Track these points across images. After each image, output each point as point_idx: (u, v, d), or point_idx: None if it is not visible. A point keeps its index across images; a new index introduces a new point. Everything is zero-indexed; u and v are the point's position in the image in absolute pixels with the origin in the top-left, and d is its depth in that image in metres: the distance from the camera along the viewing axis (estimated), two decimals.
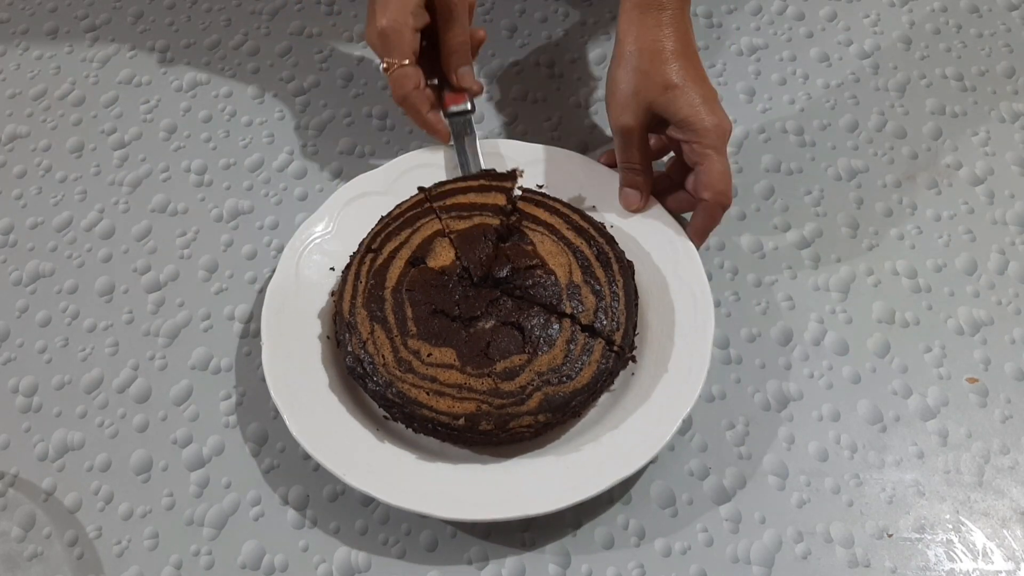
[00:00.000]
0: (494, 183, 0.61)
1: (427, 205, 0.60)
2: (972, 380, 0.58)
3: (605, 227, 0.60)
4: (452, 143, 0.64)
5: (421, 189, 0.62)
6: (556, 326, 0.54)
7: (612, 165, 0.63)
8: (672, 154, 0.62)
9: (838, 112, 0.71)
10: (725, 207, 0.58)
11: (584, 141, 0.69)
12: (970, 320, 0.60)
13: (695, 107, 0.56)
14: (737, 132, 0.69)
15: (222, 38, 0.77)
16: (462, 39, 0.63)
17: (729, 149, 0.68)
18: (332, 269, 0.60)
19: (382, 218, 0.61)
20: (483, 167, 0.63)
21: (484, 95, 0.72)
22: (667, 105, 0.57)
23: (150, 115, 0.73)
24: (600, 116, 0.71)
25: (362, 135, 0.71)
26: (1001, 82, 0.72)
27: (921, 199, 0.66)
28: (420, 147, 0.65)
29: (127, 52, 0.77)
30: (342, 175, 0.68)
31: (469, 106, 0.65)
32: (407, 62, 0.61)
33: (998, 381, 0.58)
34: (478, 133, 0.65)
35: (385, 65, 0.61)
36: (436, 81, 0.65)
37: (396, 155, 0.65)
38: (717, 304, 0.61)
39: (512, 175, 0.61)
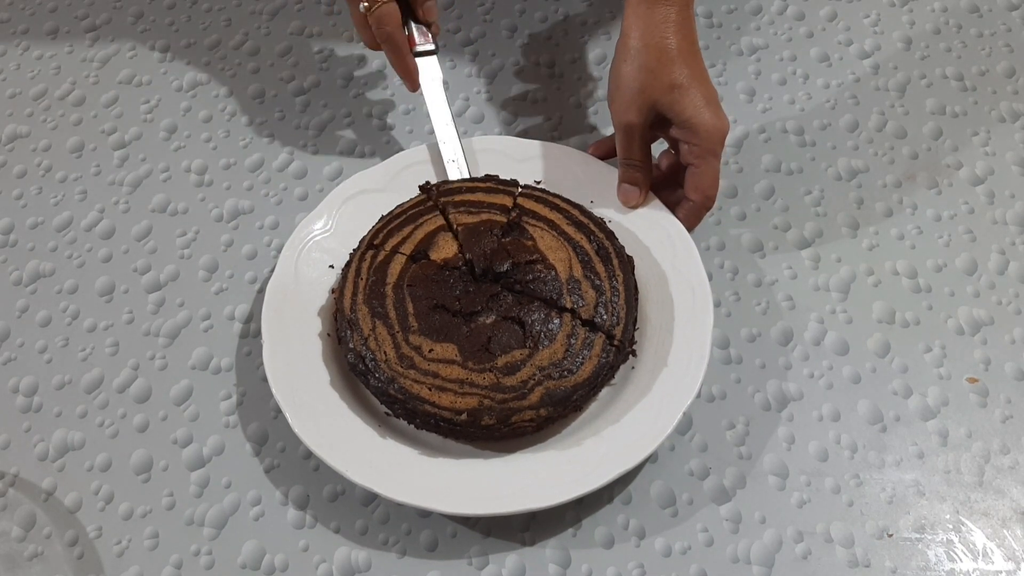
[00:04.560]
0: (500, 186, 0.61)
1: (430, 203, 0.61)
2: (972, 380, 0.58)
3: (605, 222, 0.60)
4: (421, 90, 0.64)
5: (423, 188, 0.62)
6: (556, 321, 0.54)
7: (602, 156, 0.64)
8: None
9: (838, 112, 0.71)
10: (709, 208, 0.60)
11: (584, 141, 0.69)
12: (970, 320, 0.60)
13: (698, 108, 0.57)
14: (737, 132, 0.69)
15: (222, 38, 0.77)
16: None
17: (729, 149, 0.68)
18: (331, 267, 0.60)
19: (384, 216, 0.61)
20: (451, 116, 0.64)
21: (484, 95, 0.72)
22: (672, 105, 0.57)
23: (150, 115, 0.73)
24: (600, 116, 0.71)
25: (362, 135, 0.71)
26: (1001, 82, 0.72)
27: (921, 199, 0.66)
28: (419, 145, 0.65)
29: (127, 52, 0.77)
30: (342, 175, 0.68)
31: (433, 46, 0.65)
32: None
33: (998, 381, 0.58)
34: (477, 132, 0.65)
35: (367, 3, 0.60)
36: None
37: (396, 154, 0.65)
38: (717, 304, 0.61)
39: (514, 183, 0.62)
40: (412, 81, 0.64)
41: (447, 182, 0.62)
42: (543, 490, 0.50)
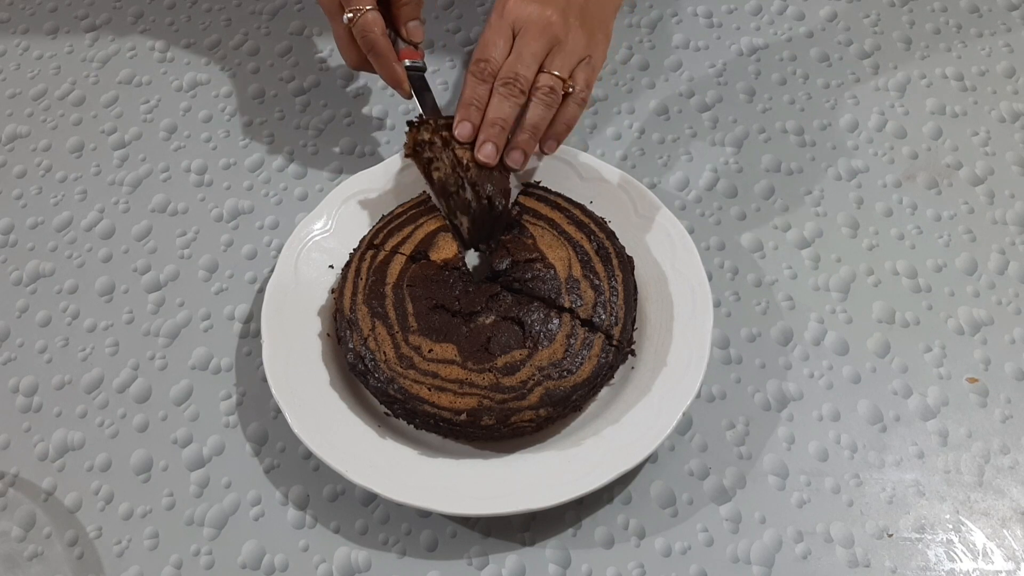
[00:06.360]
0: None
1: (431, 203, 0.61)
2: (972, 380, 0.58)
3: (606, 222, 0.60)
4: (413, 97, 0.63)
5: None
6: (556, 321, 0.54)
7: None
8: None
9: (838, 112, 0.71)
10: (478, 75, 0.59)
11: (584, 141, 0.69)
12: (970, 320, 0.60)
13: None
14: (737, 132, 0.69)
15: (222, 38, 0.77)
16: None
17: (728, 149, 0.68)
18: (331, 267, 0.60)
19: (384, 215, 0.61)
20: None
21: None
22: None
23: (150, 115, 0.73)
24: (600, 115, 0.71)
25: (362, 135, 0.71)
26: (1001, 82, 0.72)
27: (921, 199, 0.66)
28: None
29: (127, 52, 0.77)
30: (342, 175, 0.68)
31: (422, 63, 0.64)
32: (370, 7, 0.60)
33: (998, 381, 0.58)
34: None
35: (350, 14, 0.60)
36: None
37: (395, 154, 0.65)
38: (717, 304, 0.61)
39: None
40: (403, 88, 0.63)
41: (442, 117, 0.61)
42: (543, 490, 0.50)
